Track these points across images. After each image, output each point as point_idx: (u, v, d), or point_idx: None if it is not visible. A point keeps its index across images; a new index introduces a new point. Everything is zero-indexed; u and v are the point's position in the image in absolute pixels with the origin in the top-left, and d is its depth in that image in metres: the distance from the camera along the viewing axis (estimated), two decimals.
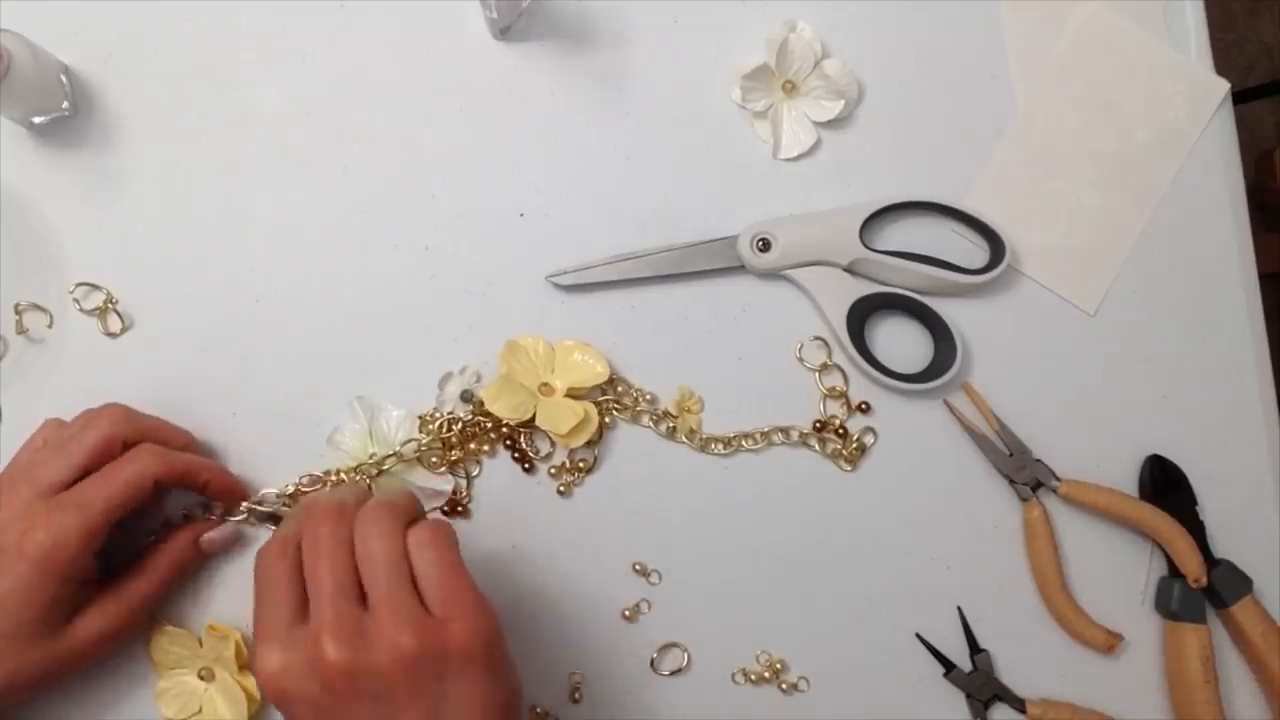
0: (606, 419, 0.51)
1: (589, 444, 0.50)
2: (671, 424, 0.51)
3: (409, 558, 0.38)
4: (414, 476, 0.50)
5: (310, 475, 0.48)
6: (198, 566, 0.48)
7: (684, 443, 0.51)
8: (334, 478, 0.49)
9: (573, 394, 0.50)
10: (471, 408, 0.50)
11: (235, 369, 0.50)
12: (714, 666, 0.51)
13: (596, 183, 0.53)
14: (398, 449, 0.49)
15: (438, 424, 0.50)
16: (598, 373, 0.50)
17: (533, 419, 0.49)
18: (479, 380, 0.51)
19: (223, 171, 0.51)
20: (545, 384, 0.50)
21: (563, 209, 0.52)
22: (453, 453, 0.50)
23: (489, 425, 0.50)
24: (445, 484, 0.50)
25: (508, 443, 0.51)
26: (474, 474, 0.51)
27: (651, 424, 0.51)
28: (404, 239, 0.51)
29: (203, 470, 0.46)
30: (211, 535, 0.47)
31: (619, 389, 0.51)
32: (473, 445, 0.50)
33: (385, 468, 0.49)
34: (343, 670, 0.35)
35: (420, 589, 0.37)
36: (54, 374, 0.49)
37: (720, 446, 0.51)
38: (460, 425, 0.50)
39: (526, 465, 0.50)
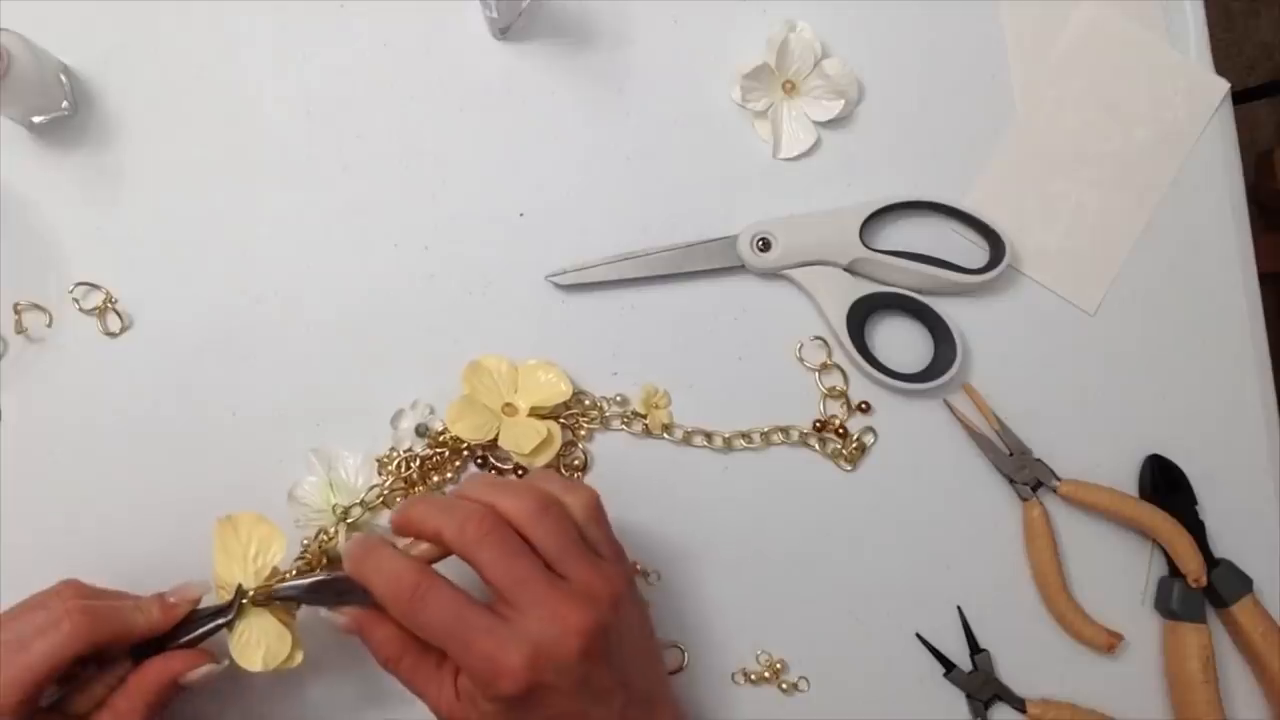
0: (581, 432, 0.51)
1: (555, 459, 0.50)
2: (643, 422, 0.51)
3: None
4: (383, 519, 0.49)
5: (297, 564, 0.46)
6: (175, 699, 0.42)
7: (665, 438, 0.51)
8: (311, 549, 0.47)
9: (536, 413, 0.49)
10: (428, 440, 0.49)
11: (235, 369, 0.50)
12: (713, 666, 0.51)
13: (596, 183, 0.53)
14: (361, 498, 0.48)
15: (396, 464, 0.49)
16: (561, 390, 0.49)
17: (495, 439, 0.49)
18: (432, 413, 0.50)
19: (222, 171, 0.50)
20: (508, 404, 0.49)
21: (563, 209, 0.52)
22: (416, 489, 0.49)
23: (447, 454, 0.49)
24: None
25: (479, 460, 0.50)
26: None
27: (624, 425, 0.51)
28: (404, 239, 0.51)
29: (137, 627, 0.41)
30: (193, 676, 0.42)
31: (585, 402, 0.51)
32: (434, 476, 0.50)
33: (351, 519, 0.48)
34: (593, 630, 0.37)
35: None
36: (53, 374, 0.49)
37: (703, 439, 0.51)
38: (419, 461, 0.49)
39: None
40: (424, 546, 0.41)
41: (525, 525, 0.39)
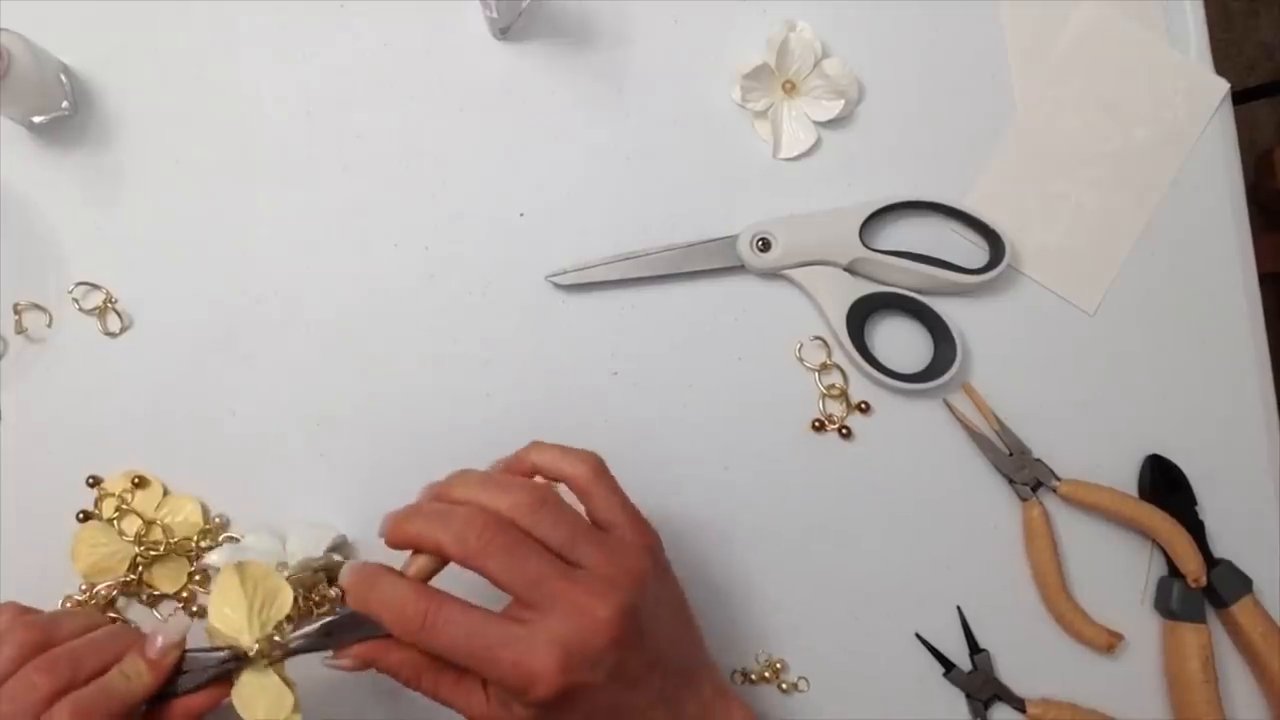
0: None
1: None
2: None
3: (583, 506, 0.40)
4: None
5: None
6: None
7: None
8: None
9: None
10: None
11: (235, 369, 0.50)
12: None
13: (596, 183, 0.53)
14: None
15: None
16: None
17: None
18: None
19: (222, 171, 0.50)
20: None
21: (563, 209, 0.52)
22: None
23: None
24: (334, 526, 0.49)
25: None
26: None
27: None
28: (404, 239, 0.51)
29: (134, 695, 0.38)
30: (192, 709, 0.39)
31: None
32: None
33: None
34: (621, 615, 0.36)
35: (597, 521, 0.40)
36: (54, 374, 0.49)
37: None
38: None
39: None
40: (422, 560, 0.39)
41: (526, 521, 0.37)
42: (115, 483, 0.48)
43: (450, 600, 0.37)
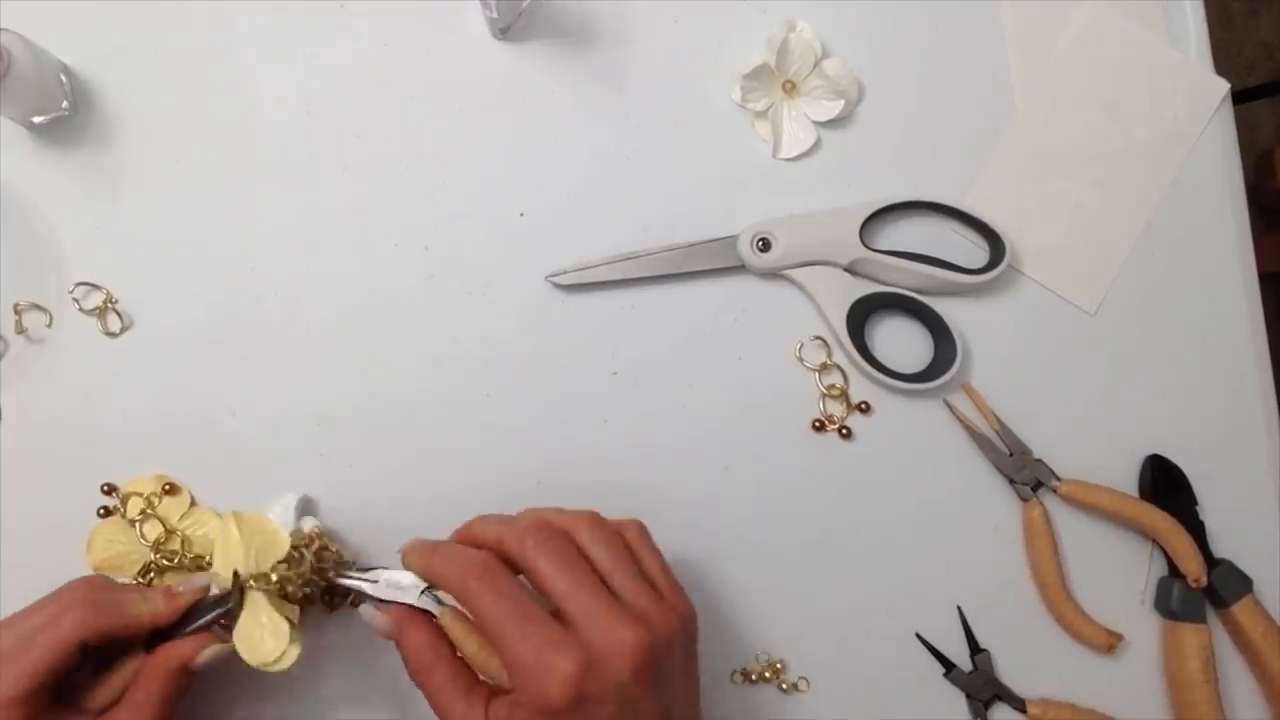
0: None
1: None
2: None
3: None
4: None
5: None
6: (190, 685, 0.43)
7: None
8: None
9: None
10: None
11: (235, 369, 0.50)
12: (713, 667, 0.51)
13: (596, 183, 0.53)
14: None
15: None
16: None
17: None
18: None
19: (222, 171, 0.50)
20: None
21: (563, 209, 0.52)
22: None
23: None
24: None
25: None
26: None
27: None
28: (404, 239, 0.51)
29: (142, 617, 0.42)
30: (202, 658, 0.42)
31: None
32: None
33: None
34: (646, 652, 0.36)
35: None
36: (54, 374, 0.49)
37: None
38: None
39: None
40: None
41: (583, 538, 0.39)
42: (144, 484, 0.48)
43: (509, 573, 0.39)
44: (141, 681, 0.41)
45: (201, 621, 0.43)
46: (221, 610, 0.43)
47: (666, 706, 0.38)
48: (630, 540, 0.41)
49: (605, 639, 0.36)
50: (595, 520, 0.41)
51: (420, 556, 0.41)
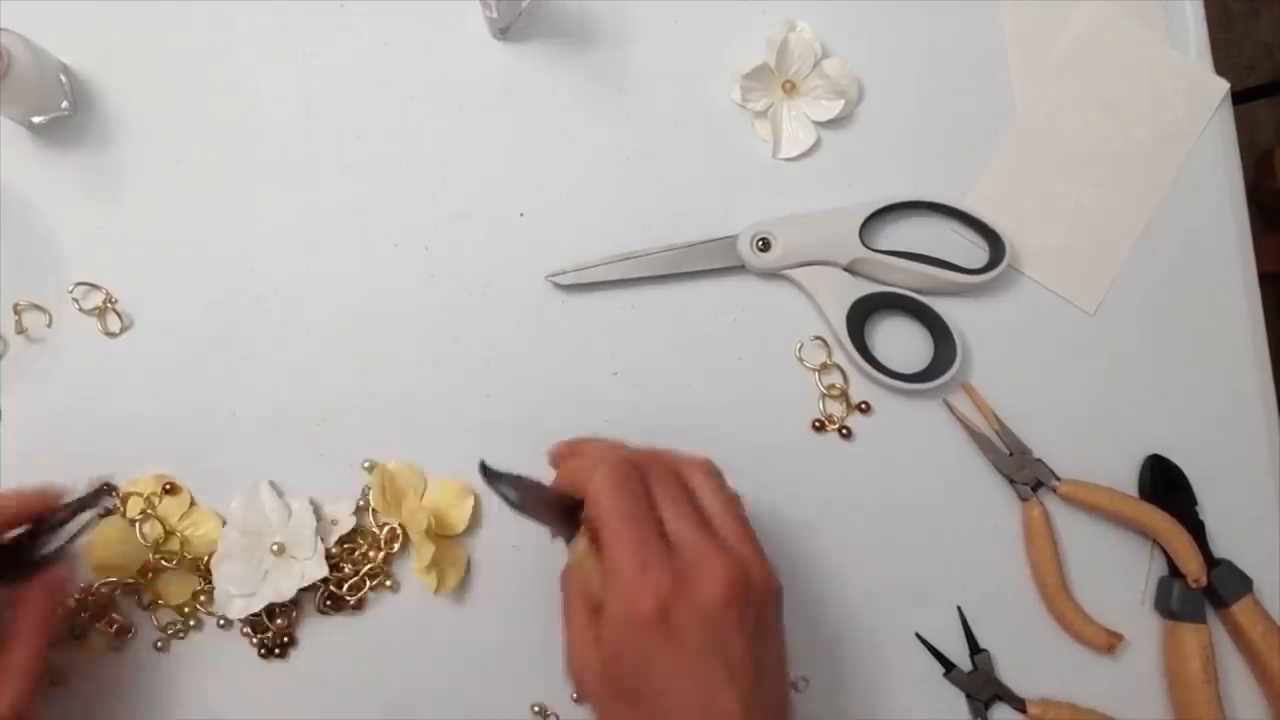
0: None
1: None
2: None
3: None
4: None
5: None
6: (63, 610, 0.45)
7: None
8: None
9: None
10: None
11: (235, 369, 0.50)
12: None
13: (596, 183, 0.53)
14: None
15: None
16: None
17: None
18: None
19: (222, 171, 0.51)
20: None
21: (563, 209, 0.52)
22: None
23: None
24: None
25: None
26: None
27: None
28: (404, 239, 0.51)
29: None
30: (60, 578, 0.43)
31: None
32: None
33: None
34: (737, 584, 0.36)
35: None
36: (54, 374, 0.49)
37: None
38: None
39: None
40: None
41: (695, 481, 0.40)
42: (144, 484, 0.48)
43: (640, 480, 0.39)
44: (23, 610, 0.41)
45: (69, 535, 0.42)
46: (87, 519, 0.42)
47: (758, 659, 0.37)
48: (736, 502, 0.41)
49: (700, 563, 0.36)
50: (710, 468, 0.41)
51: (562, 450, 0.44)
